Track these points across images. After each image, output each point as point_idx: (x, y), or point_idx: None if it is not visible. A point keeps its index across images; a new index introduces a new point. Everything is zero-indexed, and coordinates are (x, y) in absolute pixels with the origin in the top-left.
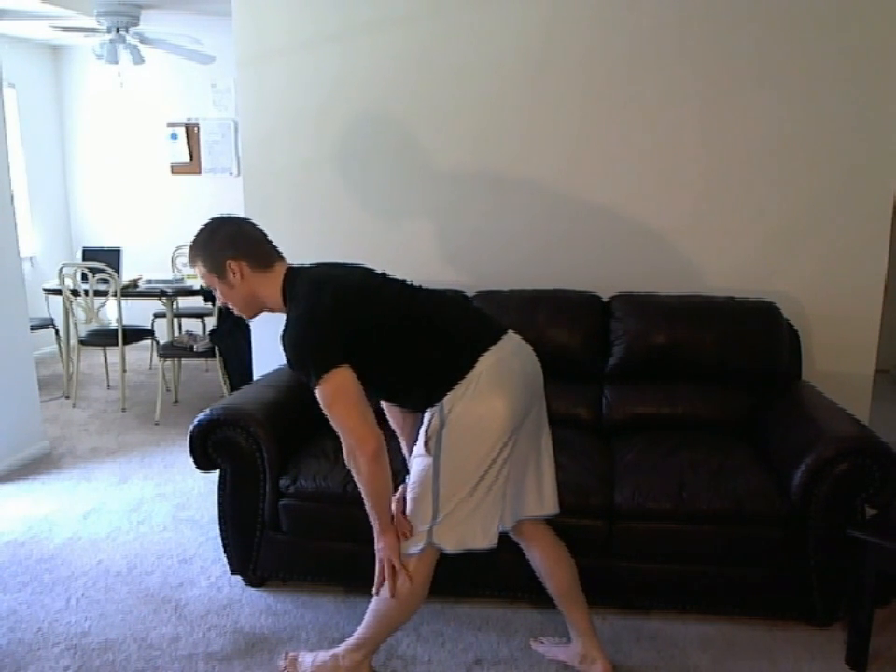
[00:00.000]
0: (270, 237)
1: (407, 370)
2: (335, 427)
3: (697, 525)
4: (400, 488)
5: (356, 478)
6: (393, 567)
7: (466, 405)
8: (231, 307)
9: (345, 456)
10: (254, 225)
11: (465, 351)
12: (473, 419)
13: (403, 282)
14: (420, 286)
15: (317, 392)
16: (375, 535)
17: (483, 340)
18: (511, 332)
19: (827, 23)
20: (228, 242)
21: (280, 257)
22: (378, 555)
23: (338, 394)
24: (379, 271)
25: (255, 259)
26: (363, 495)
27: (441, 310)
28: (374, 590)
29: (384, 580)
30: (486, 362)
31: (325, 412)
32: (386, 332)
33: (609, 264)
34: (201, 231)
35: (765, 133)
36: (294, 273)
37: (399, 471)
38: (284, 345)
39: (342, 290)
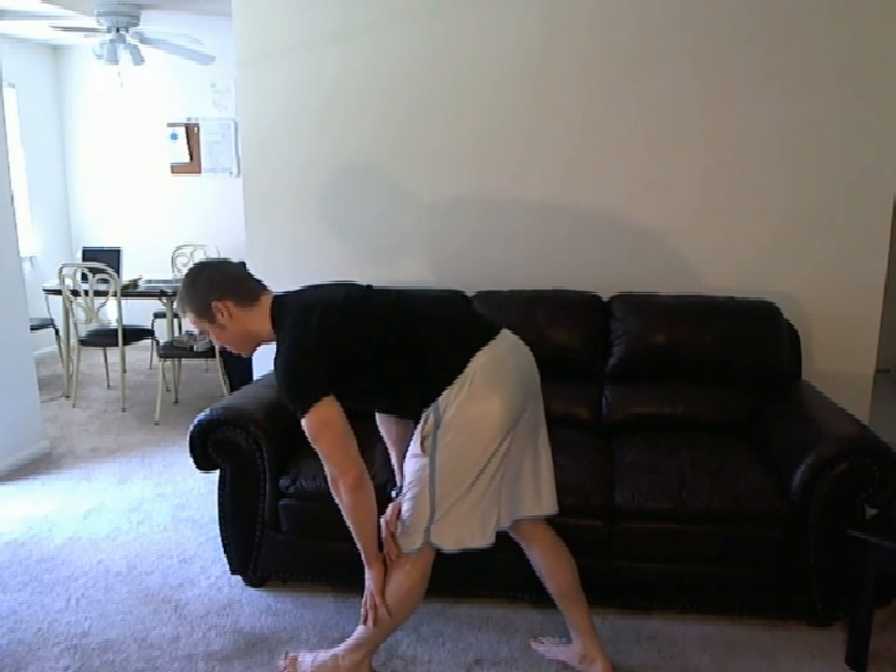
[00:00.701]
0: (265, 266)
1: (401, 379)
2: (320, 457)
3: (697, 524)
4: (391, 508)
5: (340, 507)
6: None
7: (460, 404)
8: (228, 348)
9: (329, 485)
10: (233, 263)
11: (458, 351)
12: (468, 418)
13: (388, 292)
14: (409, 292)
15: (303, 423)
16: (365, 566)
17: (476, 338)
18: (505, 331)
19: (827, 25)
20: (209, 285)
21: (264, 289)
22: (367, 583)
23: (323, 427)
24: (364, 283)
25: (239, 296)
26: (348, 524)
27: (431, 314)
28: (361, 619)
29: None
30: (480, 360)
31: (310, 442)
32: (377, 346)
33: (609, 264)
34: (183, 281)
35: (766, 133)
36: (280, 302)
37: (388, 481)
38: (275, 372)
39: (327, 314)
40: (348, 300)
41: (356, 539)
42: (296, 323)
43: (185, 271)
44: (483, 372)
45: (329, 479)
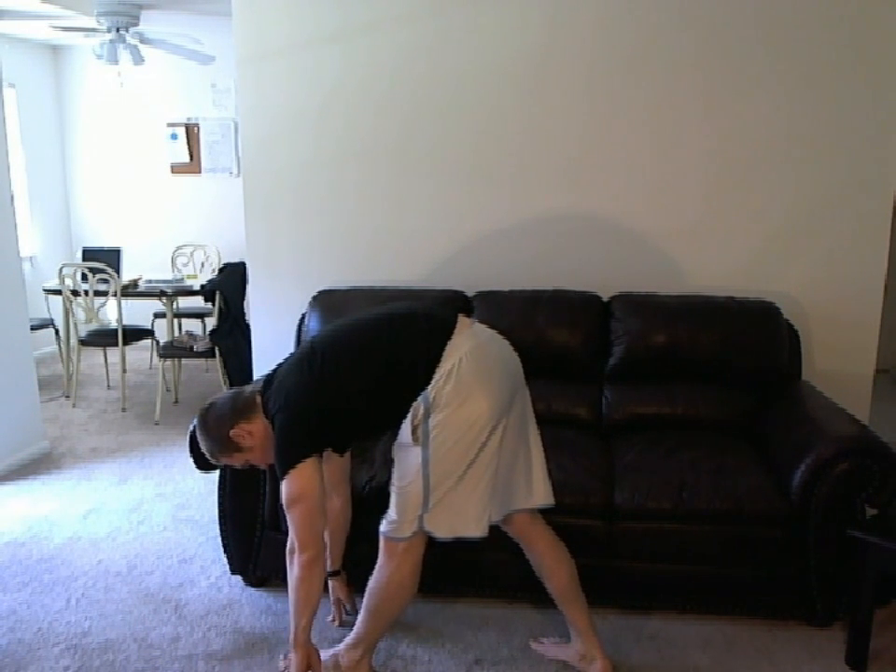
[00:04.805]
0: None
1: (397, 406)
2: (287, 521)
3: (697, 524)
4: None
5: (288, 577)
6: None
7: (449, 391)
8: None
9: (286, 552)
10: (222, 392)
11: (434, 347)
12: (457, 404)
13: (347, 337)
14: (352, 321)
15: (282, 486)
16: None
17: (441, 332)
18: (464, 317)
19: (827, 25)
20: (217, 421)
21: (252, 393)
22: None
23: (297, 500)
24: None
25: (241, 412)
26: (289, 597)
27: (400, 335)
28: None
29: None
30: (463, 348)
31: (284, 506)
32: (355, 397)
33: (609, 264)
34: (197, 434)
35: (766, 133)
36: (264, 397)
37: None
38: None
39: (303, 393)
40: (313, 375)
41: (291, 615)
42: (280, 409)
43: (185, 271)
44: (468, 360)
45: (288, 545)
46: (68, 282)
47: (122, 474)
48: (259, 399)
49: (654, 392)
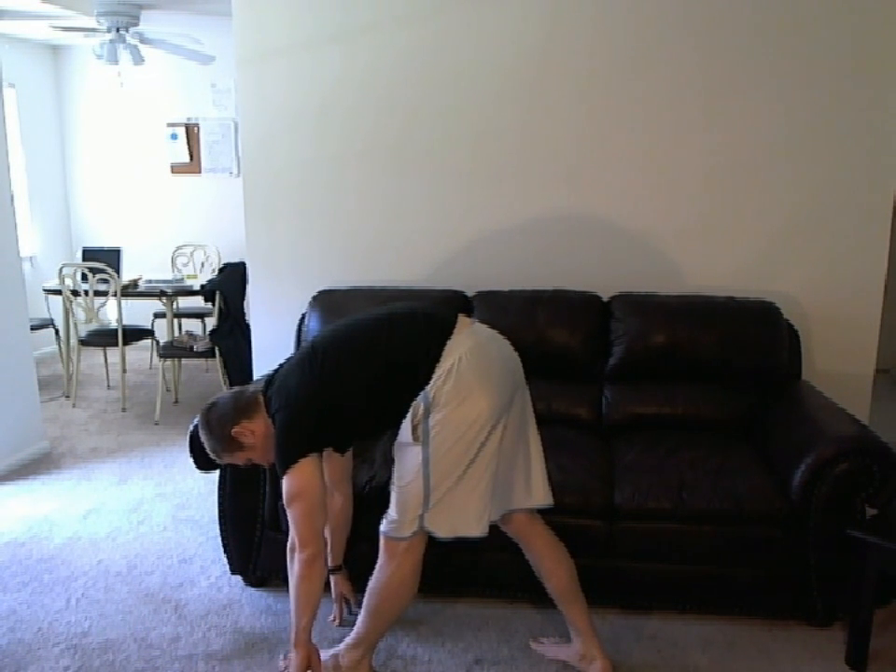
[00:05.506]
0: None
1: (399, 403)
2: (288, 519)
3: (697, 524)
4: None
5: (289, 574)
6: None
7: (449, 390)
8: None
9: (287, 549)
10: (224, 391)
11: (434, 344)
12: (457, 403)
13: (337, 340)
14: (353, 321)
15: (283, 483)
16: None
17: (441, 332)
18: (464, 317)
19: (827, 25)
20: (219, 420)
21: (254, 393)
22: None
23: (297, 496)
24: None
25: (243, 411)
26: (290, 594)
27: (397, 335)
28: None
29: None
30: (463, 347)
31: (284, 503)
32: (356, 396)
33: (610, 264)
34: (200, 433)
35: (766, 133)
36: (267, 396)
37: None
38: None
39: (304, 392)
40: (314, 375)
41: (291, 614)
42: (281, 407)
43: (185, 271)
44: (468, 358)
45: (288, 542)
46: (68, 282)
47: (122, 474)
48: (260, 398)
49: (654, 392)
